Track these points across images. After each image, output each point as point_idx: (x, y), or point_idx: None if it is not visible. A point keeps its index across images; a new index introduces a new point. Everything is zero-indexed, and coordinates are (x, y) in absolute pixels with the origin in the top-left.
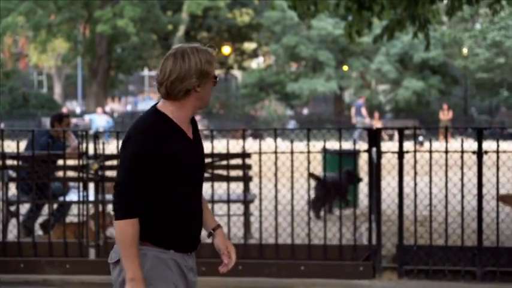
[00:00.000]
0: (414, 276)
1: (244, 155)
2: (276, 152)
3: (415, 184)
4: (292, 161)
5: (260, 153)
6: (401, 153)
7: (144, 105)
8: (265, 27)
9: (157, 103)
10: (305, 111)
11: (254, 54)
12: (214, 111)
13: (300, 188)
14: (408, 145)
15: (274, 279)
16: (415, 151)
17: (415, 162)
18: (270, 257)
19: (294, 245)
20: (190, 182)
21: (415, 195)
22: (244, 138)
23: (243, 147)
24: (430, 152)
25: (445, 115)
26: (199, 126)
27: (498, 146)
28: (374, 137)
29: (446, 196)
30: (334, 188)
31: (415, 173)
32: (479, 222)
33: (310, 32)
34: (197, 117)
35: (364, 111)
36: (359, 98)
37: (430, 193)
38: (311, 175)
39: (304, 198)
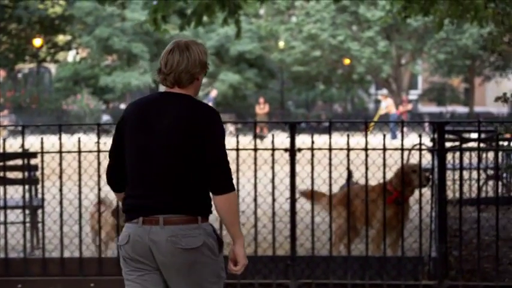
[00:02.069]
0: None
1: (27, 154)
2: (60, 152)
3: None
4: (79, 161)
5: (42, 152)
6: None
7: None
8: (77, 18)
9: (165, 91)
10: (123, 106)
11: (68, 46)
12: (24, 105)
13: (90, 192)
14: None
15: None
16: None
17: None
18: (55, 273)
19: (82, 258)
20: None
21: None
22: (23, 135)
23: (22, 146)
24: (237, 149)
25: (262, 109)
26: (7, 122)
27: (313, 142)
28: None
29: (255, 199)
30: None
31: None
32: (292, 228)
33: (124, 24)
34: (4, 113)
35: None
36: (210, 91)
37: (237, 196)
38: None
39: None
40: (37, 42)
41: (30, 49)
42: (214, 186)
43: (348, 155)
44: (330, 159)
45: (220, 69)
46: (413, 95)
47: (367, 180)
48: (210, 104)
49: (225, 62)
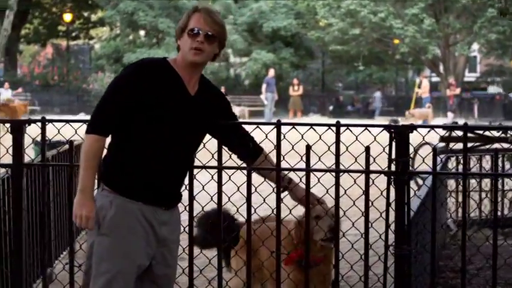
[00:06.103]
0: None
1: None
2: None
3: None
4: None
5: None
6: None
7: None
8: None
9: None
10: None
11: (101, 22)
12: (53, 83)
13: None
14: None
15: None
16: None
17: None
18: None
19: None
20: (172, 135)
21: None
22: None
23: None
24: None
25: (296, 91)
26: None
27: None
28: None
29: None
30: None
31: None
32: None
33: None
34: (19, 90)
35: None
36: (268, 72)
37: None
38: None
39: None
40: (67, 17)
41: (62, 24)
42: None
43: (248, 176)
44: (220, 181)
45: (253, 47)
46: (471, 77)
47: (279, 220)
48: (270, 86)
49: (259, 40)
